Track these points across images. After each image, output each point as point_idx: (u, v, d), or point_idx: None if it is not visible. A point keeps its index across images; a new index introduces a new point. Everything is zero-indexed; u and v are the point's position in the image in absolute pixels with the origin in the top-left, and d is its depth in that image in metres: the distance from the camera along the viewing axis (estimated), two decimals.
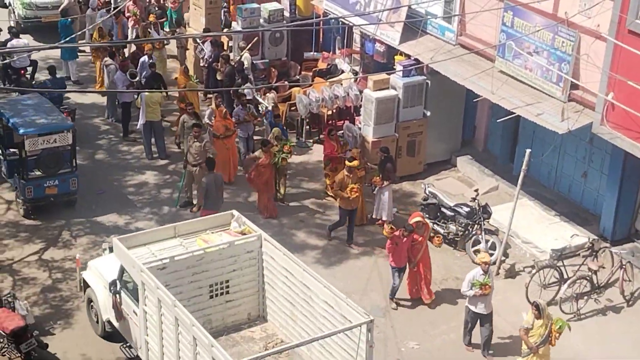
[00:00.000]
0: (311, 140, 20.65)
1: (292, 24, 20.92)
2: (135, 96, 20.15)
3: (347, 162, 16.22)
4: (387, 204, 17.13)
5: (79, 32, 23.53)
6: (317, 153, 20.09)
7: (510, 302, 15.04)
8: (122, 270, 12.99)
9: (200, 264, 12.81)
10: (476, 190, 17.15)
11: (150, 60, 21.44)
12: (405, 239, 14.55)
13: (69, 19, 23.59)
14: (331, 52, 22.80)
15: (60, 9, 25.20)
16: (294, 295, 12.61)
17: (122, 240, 12.83)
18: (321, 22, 21.54)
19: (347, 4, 20.22)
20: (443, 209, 16.76)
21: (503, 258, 16.00)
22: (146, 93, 19.23)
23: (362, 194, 16.68)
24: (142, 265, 12.10)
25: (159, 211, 17.73)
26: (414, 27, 18.46)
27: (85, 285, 14.48)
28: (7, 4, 27.36)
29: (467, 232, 16.44)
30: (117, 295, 13.12)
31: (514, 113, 16.12)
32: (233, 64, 21.11)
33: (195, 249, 12.87)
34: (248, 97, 20.02)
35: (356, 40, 22.22)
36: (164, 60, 23.44)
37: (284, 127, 19.75)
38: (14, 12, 26.72)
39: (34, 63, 22.80)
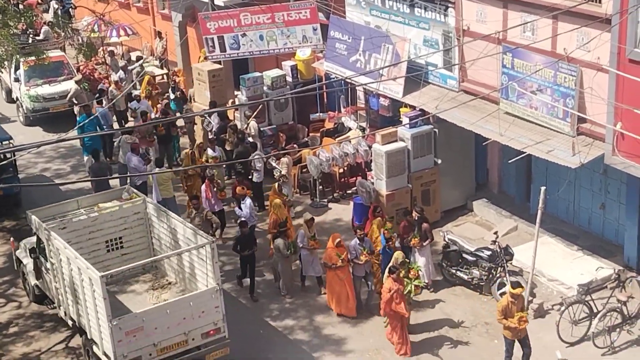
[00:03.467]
0: (325, 200, 20.69)
1: (297, 90, 21.11)
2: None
3: (511, 289, 13.77)
4: (428, 264, 16.78)
5: (87, 121, 23.74)
6: (332, 212, 20.16)
7: (542, 342, 14.84)
8: (38, 238, 15.87)
9: (95, 224, 16.07)
10: (495, 233, 17.08)
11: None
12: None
13: (89, 114, 23.12)
14: (337, 111, 22.99)
15: (68, 97, 25.61)
16: (173, 242, 15.68)
17: (34, 212, 15.86)
18: (324, 85, 21.75)
19: (347, 63, 20.46)
20: (464, 255, 16.68)
21: (530, 298, 15.84)
22: (156, 171, 19.49)
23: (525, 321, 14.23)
24: (45, 225, 15.25)
25: None
26: (416, 78, 18.63)
27: (18, 262, 17.63)
28: (15, 99, 27.83)
29: (491, 275, 16.32)
30: (37, 260, 16.10)
31: (525, 152, 16.15)
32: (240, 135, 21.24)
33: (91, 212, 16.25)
34: (258, 165, 20.15)
35: (360, 97, 22.43)
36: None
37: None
38: (22, 106, 27.15)
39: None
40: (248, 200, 18.34)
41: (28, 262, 17.09)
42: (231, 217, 19.39)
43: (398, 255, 15.22)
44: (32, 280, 16.97)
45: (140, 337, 13.72)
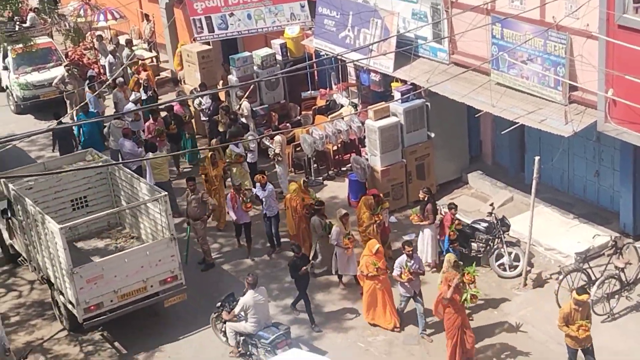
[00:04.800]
0: (320, 178, 20.70)
1: (287, 69, 20.92)
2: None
3: (576, 295, 12.79)
4: (430, 244, 16.58)
5: (77, 107, 23.65)
6: (328, 189, 20.19)
7: (542, 311, 14.94)
8: (8, 199, 16.96)
9: (60, 185, 17.20)
10: (491, 205, 17.12)
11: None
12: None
13: (95, 111, 22.47)
14: (328, 89, 22.93)
15: (54, 83, 25.42)
16: (133, 199, 16.75)
17: (2, 175, 16.75)
18: (315, 64, 21.63)
19: (336, 39, 20.39)
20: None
21: (528, 268, 15.92)
22: (150, 156, 19.41)
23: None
24: (12, 186, 16.45)
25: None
26: (406, 52, 18.57)
27: None
28: (5, 87, 27.69)
29: (488, 247, 16.38)
30: (9, 220, 17.32)
31: (518, 123, 16.14)
32: (229, 115, 21.16)
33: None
34: (252, 145, 20.11)
35: (351, 74, 22.37)
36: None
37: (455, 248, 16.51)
38: (12, 95, 27.02)
39: None
40: (270, 186, 17.74)
41: (2, 227, 18.19)
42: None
43: (450, 257, 14.01)
44: (7, 241, 18.26)
45: (101, 285, 14.86)
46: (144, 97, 23.56)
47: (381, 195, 17.24)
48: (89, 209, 17.53)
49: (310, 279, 15.73)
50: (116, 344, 15.79)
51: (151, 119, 21.17)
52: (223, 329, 15.00)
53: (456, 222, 16.34)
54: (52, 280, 15.86)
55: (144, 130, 21.48)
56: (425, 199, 16.52)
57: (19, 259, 17.95)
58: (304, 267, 15.28)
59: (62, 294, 15.53)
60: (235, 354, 14.75)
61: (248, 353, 14.56)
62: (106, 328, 15.93)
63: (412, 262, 14.65)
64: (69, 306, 15.28)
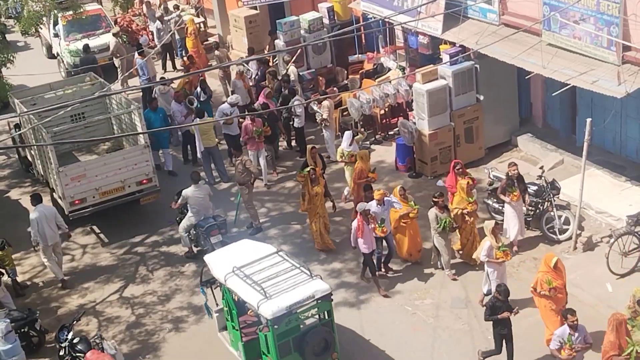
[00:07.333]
0: (368, 142, 20.60)
1: (334, 33, 20.52)
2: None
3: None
4: (520, 220, 15.74)
5: (127, 73, 23.90)
6: (375, 154, 20.03)
7: (592, 274, 14.77)
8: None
9: (61, 101, 18.73)
10: (541, 167, 16.90)
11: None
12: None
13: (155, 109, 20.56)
14: (375, 52, 22.76)
15: (110, 52, 25.70)
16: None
17: (14, 94, 19.99)
18: (362, 27, 21.40)
19: (384, 1, 20.17)
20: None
21: (579, 232, 15.71)
22: (197, 121, 19.53)
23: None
24: (18, 101, 19.40)
25: (228, 233, 17.55)
26: (455, 14, 18.30)
27: (13, 140, 20.63)
28: (56, 54, 28.04)
29: (538, 210, 16.20)
30: (21, 135, 19.06)
31: (569, 84, 15.85)
32: (280, 78, 21.21)
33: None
34: (298, 110, 20.04)
35: (399, 36, 22.13)
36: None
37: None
38: (62, 62, 27.36)
39: None
40: (387, 199, 15.50)
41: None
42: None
43: (637, 292, 12.07)
44: (22, 153, 21.48)
45: (84, 183, 17.57)
46: (202, 97, 21.61)
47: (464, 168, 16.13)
48: (86, 122, 19.73)
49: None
50: (101, 235, 18.70)
51: (248, 119, 19.29)
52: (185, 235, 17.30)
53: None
54: (48, 181, 18.69)
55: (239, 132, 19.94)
56: (517, 174, 15.56)
57: (29, 167, 20.75)
58: (507, 312, 12.77)
59: (54, 190, 18.26)
60: (191, 255, 17.14)
61: (202, 243, 16.83)
62: (93, 222, 18.80)
63: (577, 334, 11.98)
64: (59, 201, 17.86)
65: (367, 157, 17.39)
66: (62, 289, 16.89)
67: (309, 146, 18.12)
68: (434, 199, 15.25)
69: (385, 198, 15.41)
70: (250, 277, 12.92)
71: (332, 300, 12.95)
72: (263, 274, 12.97)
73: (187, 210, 17.08)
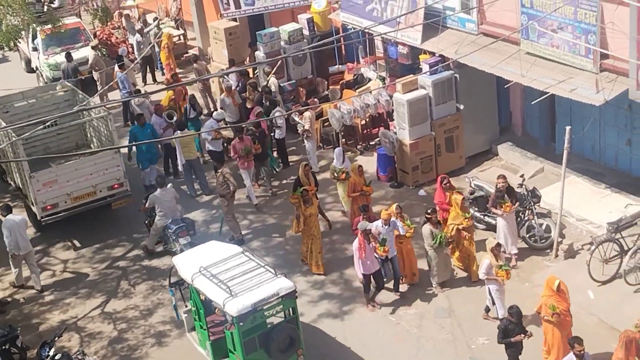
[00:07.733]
0: (350, 152, 20.61)
1: (314, 44, 20.45)
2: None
3: None
4: (514, 233, 15.75)
5: (107, 87, 23.78)
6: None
7: (573, 282, 14.70)
8: None
9: (33, 109, 19.91)
10: (522, 176, 16.97)
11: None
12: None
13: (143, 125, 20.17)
14: (355, 62, 22.81)
15: (88, 65, 25.59)
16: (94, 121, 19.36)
17: None
18: (342, 38, 21.41)
19: (363, 12, 20.23)
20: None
21: (560, 239, 15.78)
22: (178, 134, 19.47)
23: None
24: None
25: (196, 234, 17.51)
26: (434, 24, 18.37)
27: None
28: (35, 68, 27.89)
29: (519, 219, 16.24)
30: None
31: (548, 93, 15.94)
32: (260, 89, 21.20)
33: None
34: (279, 121, 20.04)
35: (378, 47, 22.21)
36: None
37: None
38: (41, 76, 27.22)
39: None
40: (393, 220, 15.11)
41: None
42: None
43: None
44: None
45: (56, 188, 17.74)
46: (192, 114, 21.50)
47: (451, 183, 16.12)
48: (59, 130, 19.85)
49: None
50: (74, 241, 18.83)
51: (236, 137, 19.04)
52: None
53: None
54: (21, 187, 18.66)
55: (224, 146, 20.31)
56: (506, 187, 15.47)
57: (3, 175, 20.74)
58: (520, 335, 12.70)
59: (27, 197, 18.27)
60: (146, 252, 17.81)
61: (170, 246, 17.32)
62: (64, 226, 18.59)
63: None
64: (32, 207, 18.01)
65: (357, 170, 17.12)
66: (41, 305, 16.76)
67: (302, 163, 17.59)
68: (427, 215, 15.12)
69: (392, 219, 15.04)
70: (217, 276, 13.17)
71: (296, 297, 13.18)
72: (229, 273, 13.23)
73: (155, 214, 17.50)
